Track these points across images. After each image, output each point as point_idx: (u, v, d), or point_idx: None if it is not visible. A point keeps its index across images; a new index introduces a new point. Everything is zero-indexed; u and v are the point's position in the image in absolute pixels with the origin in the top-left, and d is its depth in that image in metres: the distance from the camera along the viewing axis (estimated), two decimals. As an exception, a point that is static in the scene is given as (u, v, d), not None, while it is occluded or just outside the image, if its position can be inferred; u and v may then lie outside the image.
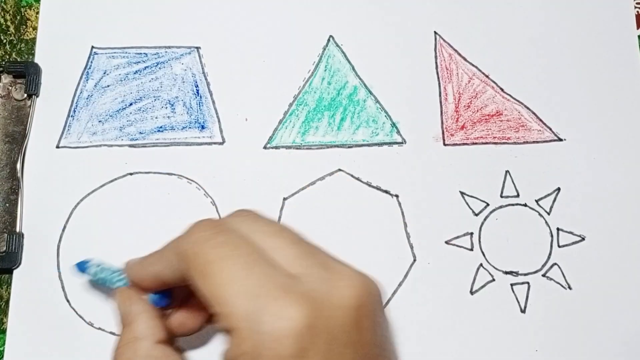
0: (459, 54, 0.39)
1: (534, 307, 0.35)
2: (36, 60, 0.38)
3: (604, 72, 0.39)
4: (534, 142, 0.38)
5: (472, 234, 0.36)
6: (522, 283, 0.35)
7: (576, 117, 0.38)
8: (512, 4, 0.40)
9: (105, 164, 0.36)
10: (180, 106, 0.38)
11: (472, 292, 0.35)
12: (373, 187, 0.37)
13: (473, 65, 0.39)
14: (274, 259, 0.25)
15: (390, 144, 0.37)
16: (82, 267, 0.32)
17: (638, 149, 0.38)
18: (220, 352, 0.26)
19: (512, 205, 0.37)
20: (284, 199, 0.36)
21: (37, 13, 0.39)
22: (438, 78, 0.39)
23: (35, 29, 0.38)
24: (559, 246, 0.36)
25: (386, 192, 0.37)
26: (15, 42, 0.38)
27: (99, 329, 0.34)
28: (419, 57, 0.39)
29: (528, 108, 0.38)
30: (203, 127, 0.37)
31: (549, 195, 0.37)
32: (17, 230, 0.35)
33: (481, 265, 0.36)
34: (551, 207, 0.36)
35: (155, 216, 0.36)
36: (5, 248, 0.35)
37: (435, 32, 0.39)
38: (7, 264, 0.34)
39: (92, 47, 0.38)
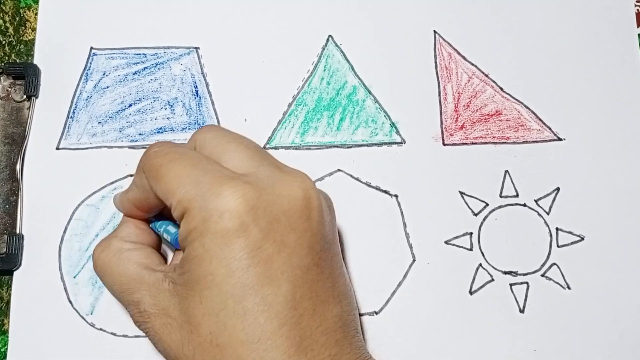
0: (459, 53, 0.39)
1: (533, 307, 0.35)
2: (35, 61, 0.38)
3: (604, 71, 0.38)
4: (533, 141, 0.37)
5: (471, 233, 0.36)
6: (521, 283, 0.35)
7: (576, 117, 0.38)
8: (512, 3, 0.40)
9: (105, 166, 0.36)
10: (180, 107, 0.37)
11: (471, 292, 0.35)
12: (372, 187, 0.37)
13: (472, 64, 0.39)
14: (226, 161, 0.28)
15: (389, 143, 0.37)
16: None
17: (638, 149, 0.37)
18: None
19: (512, 205, 0.37)
20: (284, 199, 0.36)
21: (36, 14, 0.38)
22: (437, 77, 0.38)
23: (34, 30, 0.38)
24: (558, 246, 0.36)
25: (385, 192, 0.37)
26: (14, 43, 0.38)
27: (101, 329, 0.34)
28: (418, 57, 0.39)
29: (528, 107, 0.38)
30: (202, 128, 0.37)
31: (548, 195, 0.37)
32: (17, 231, 0.35)
33: (480, 265, 0.36)
34: (550, 207, 0.36)
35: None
36: (5, 249, 0.35)
37: (434, 31, 0.39)
38: (7, 266, 0.35)
39: (91, 47, 0.38)
